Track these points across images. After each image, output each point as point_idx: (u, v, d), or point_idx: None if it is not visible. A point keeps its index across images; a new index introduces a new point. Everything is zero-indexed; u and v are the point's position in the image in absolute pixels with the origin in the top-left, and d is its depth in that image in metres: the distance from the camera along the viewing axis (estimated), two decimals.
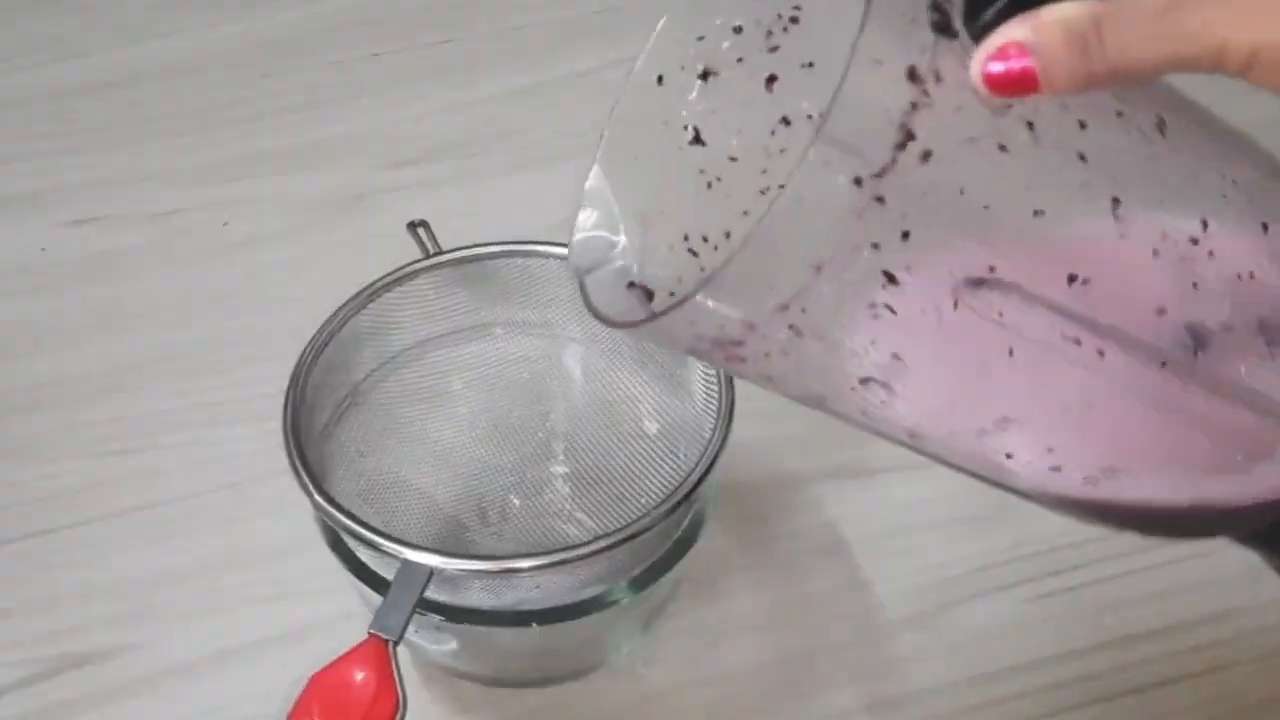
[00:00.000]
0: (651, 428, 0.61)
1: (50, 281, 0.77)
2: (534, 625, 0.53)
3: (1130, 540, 0.62)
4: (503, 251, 0.60)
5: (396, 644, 0.47)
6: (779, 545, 0.63)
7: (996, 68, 0.30)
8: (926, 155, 0.30)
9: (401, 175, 0.83)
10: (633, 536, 0.50)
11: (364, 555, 0.52)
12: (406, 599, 0.48)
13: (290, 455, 0.52)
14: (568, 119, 0.87)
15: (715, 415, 0.54)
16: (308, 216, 0.81)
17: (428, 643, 0.55)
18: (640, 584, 0.53)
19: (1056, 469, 0.35)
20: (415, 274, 0.59)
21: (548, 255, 0.59)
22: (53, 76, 0.91)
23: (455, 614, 0.52)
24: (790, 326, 0.32)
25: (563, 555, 0.49)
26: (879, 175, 0.30)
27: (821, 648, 0.59)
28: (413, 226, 0.60)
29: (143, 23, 0.96)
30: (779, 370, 0.34)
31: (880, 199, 0.30)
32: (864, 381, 0.33)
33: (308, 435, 0.54)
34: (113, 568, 0.63)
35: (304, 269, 0.77)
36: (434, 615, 0.52)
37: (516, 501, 0.61)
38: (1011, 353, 0.33)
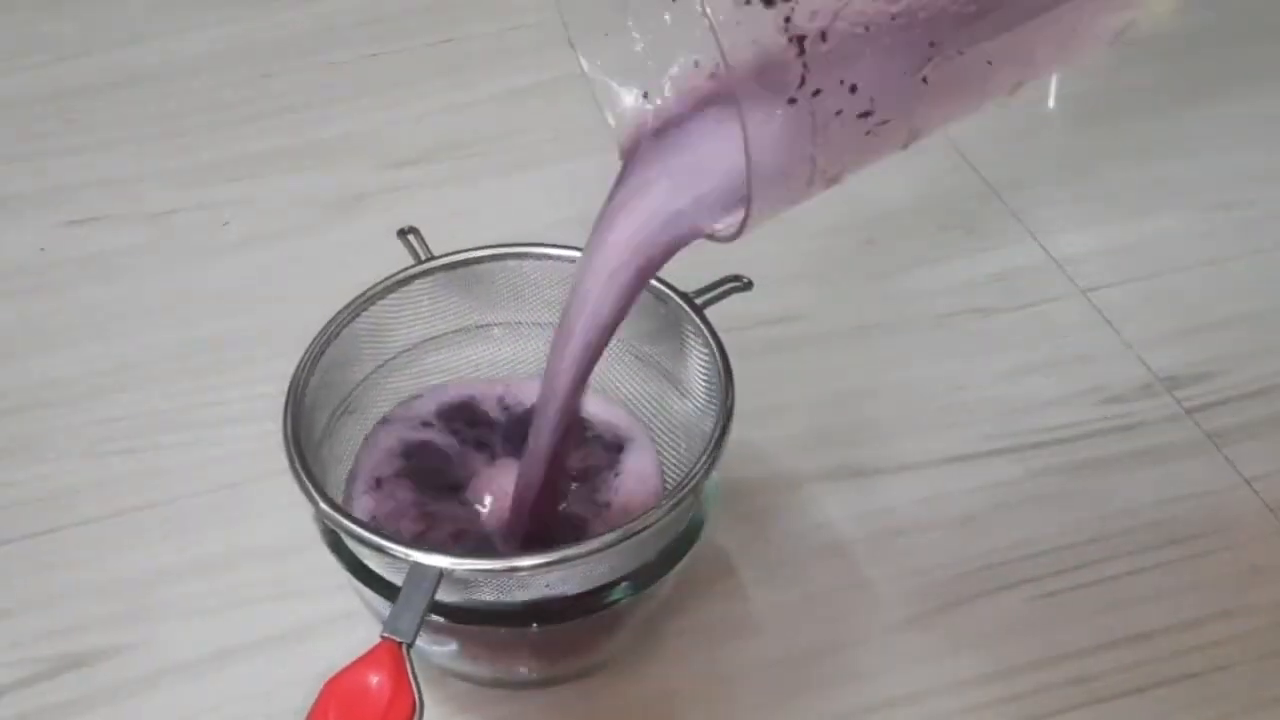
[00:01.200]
0: (653, 425, 0.61)
1: (50, 281, 0.77)
2: (534, 626, 0.53)
3: (1131, 540, 0.63)
4: (495, 255, 0.60)
5: (410, 646, 0.47)
6: (779, 545, 0.63)
7: None
8: None
9: (401, 175, 0.83)
10: (639, 532, 0.50)
11: (367, 557, 0.52)
12: (417, 600, 0.47)
13: (292, 462, 0.52)
14: (567, 119, 0.87)
15: (716, 413, 0.53)
16: (308, 216, 0.81)
17: (428, 644, 0.55)
18: (641, 584, 0.53)
19: None
20: (408, 280, 0.59)
21: (541, 257, 0.60)
22: (53, 76, 0.91)
23: (456, 615, 0.52)
24: None
25: (569, 552, 0.49)
26: None
27: (822, 648, 0.59)
28: (403, 233, 0.60)
29: (143, 23, 0.96)
30: None
31: None
32: None
33: (308, 441, 0.54)
34: (112, 568, 0.63)
35: (304, 269, 0.77)
36: (435, 616, 0.52)
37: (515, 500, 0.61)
38: None
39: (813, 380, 0.70)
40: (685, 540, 0.55)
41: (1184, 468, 0.66)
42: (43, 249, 0.79)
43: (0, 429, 0.69)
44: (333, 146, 0.86)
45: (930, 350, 0.72)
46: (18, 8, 0.98)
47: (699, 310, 0.57)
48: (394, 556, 0.49)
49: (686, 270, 0.58)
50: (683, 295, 0.57)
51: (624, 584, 0.53)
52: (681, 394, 0.58)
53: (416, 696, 0.45)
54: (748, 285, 0.58)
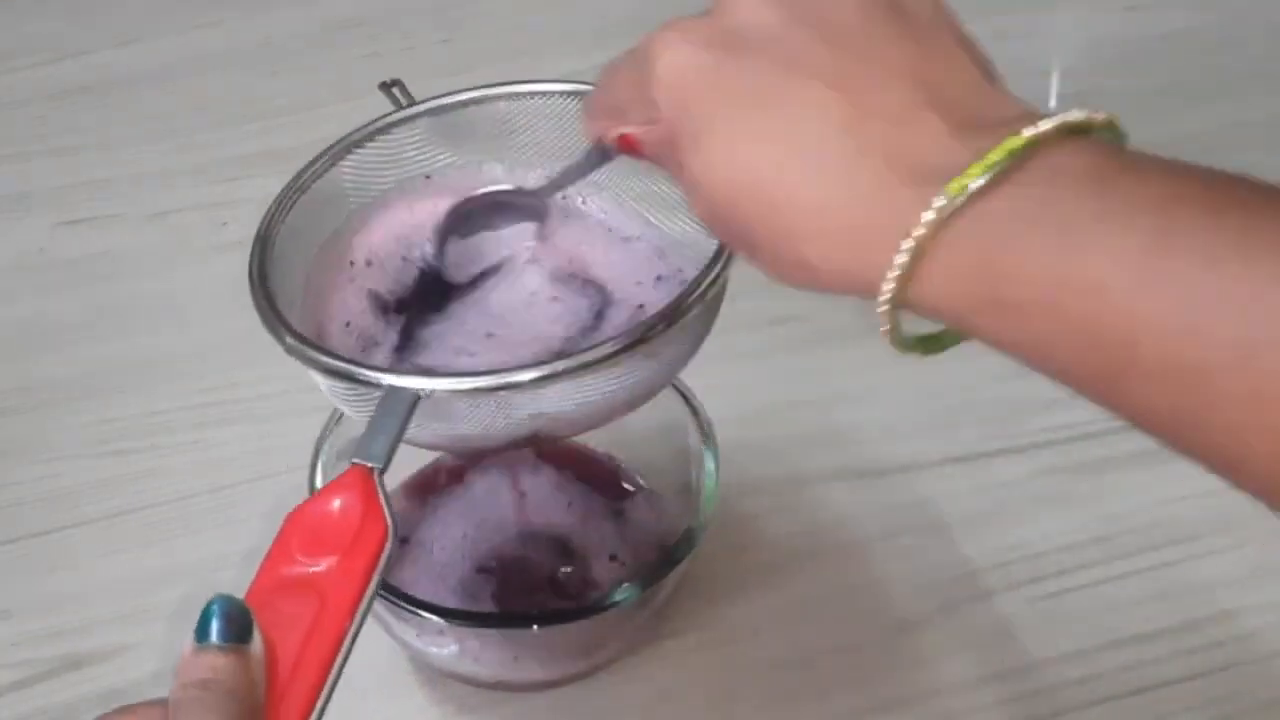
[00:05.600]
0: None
1: (50, 281, 0.77)
2: (534, 627, 0.53)
3: (1133, 541, 0.63)
4: (482, 96, 0.55)
5: (382, 472, 0.42)
6: (780, 546, 0.63)
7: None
8: None
9: None
10: (641, 340, 0.45)
11: (339, 393, 0.47)
12: (391, 425, 0.42)
13: (257, 298, 0.47)
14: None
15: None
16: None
17: (427, 646, 0.55)
18: (643, 584, 0.53)
19: None
20: (389, 128, 0.55)
21: (532, 95, 0.56)
22: (53, 76, 0.91)
23: (456, 616, 0.52)
24: None
25: (557, 366, 0.43)
26: None
27: (823, 649, 0.59)
28: (385, 86, 0.56)
29: (142, 23, 0.96)
30: None
31: None
32: None
33: (276, 284, 0.49)
34: (113, 568, 0.63)
35: None
36: (435, 618, 0.52)
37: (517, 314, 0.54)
38: None
39: (814, 380, 0.70)
40: (687, 541, 0.55)
41: (1184, 468, 0.65)
42: (43, 249, 0.79)
43: (1, 429, 0.69)
44: None
45: None
46: (17, 7, 0.98)
47: None
48: (366, 383, 0.44)
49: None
50: None
51: (626, 585, 0.53)
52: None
53: (389, 521, 0.40)
54: None
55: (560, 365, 0.43)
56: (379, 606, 0.53)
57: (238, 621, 0.37)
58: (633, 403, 0.48)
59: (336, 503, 0.41)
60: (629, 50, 0.43)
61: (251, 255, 0.49)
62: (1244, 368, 0.29)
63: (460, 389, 0.44)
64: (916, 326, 0.37)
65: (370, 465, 0.42)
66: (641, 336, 0.45)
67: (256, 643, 0.37)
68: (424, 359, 0.51)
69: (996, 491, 0.65)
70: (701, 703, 0.58)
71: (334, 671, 0.38)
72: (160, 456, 0.68)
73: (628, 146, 0.43)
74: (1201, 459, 0.32)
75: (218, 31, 0.95)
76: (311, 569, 0.39)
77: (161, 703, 0.38)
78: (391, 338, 0.53)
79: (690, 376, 0.59)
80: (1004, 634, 0.59)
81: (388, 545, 0.40)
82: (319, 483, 0.56)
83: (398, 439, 0.43)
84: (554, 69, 0.90)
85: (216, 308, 0.75)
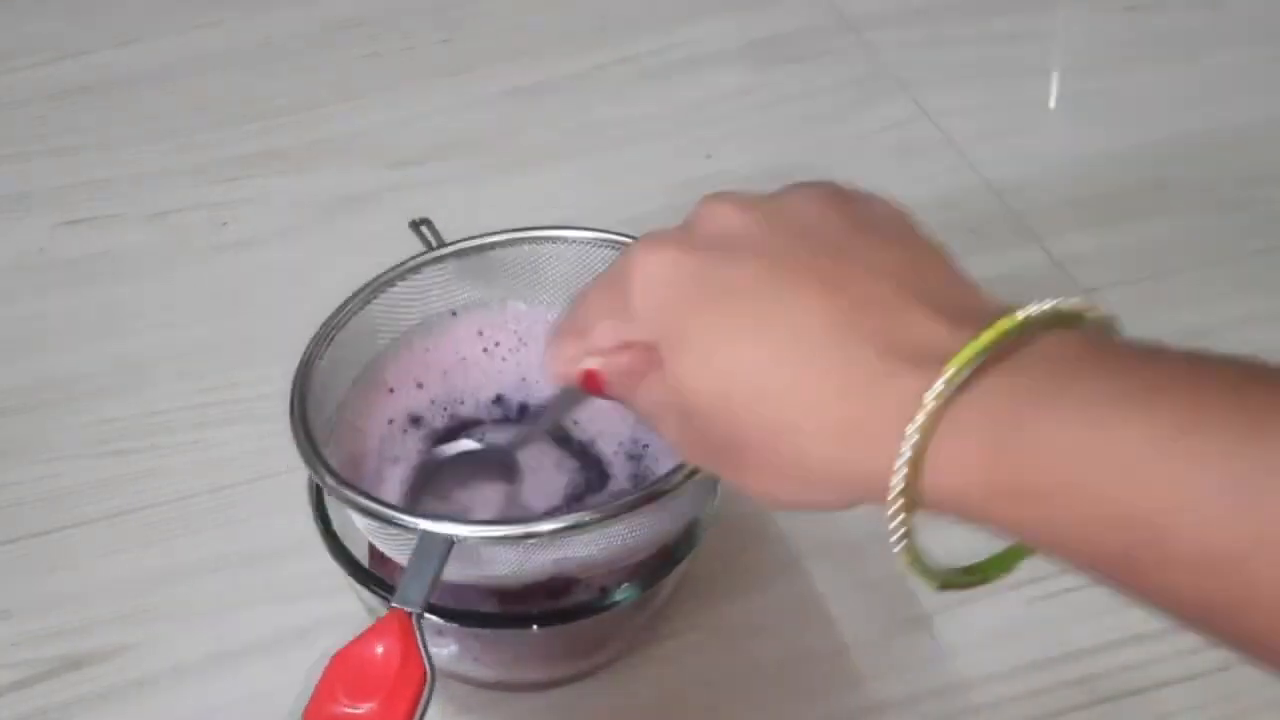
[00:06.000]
0: None
1: (50, 281, 0.77)
2: (534, 628, 0.53)
3: None
4: (509, 240, 0.59)
5: (420, 617, 0.45)
6: (781, 546, 0.63)
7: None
8: None
9: (402, 174, 0.83)
10: (657, 495, 0.48)
11: (375, 533, 0.51)
12: (427, 570, 0.46)
13: (299, 437, 0.51)
14: (568, 118, 0.87)
15: None
16: (308, 216, 0.81)
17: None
18: (643, 584, 0.53)
19: None
20: (419, 267, 0.58)
21: (557, 240, 0.59)
22: (53, 76, 0.91)
23: (456, 616, 0.52)
24: None
25: (584, 517, 0.47)
26: None
27: (824, 649, 0.59)
28: (415, 225, 0.60)
29: (142, 23, 0.96)
30: None
31: None
32: None
33: (315, 422, 0.52)
34: (112, 568, 0.63)
35: (304, 269, 0.77)
36: (435, 619, 0.51)
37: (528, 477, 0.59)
38: None
39: None
40: (688, 541, 0.55)
41: None
42: (43, 249, 0.79)
43: (1, 429, 0.69)
44: (333, 146, 0.86)
45: None
46: (17, 7, 0.98)
47: None
48: (403, 526, 0.47)
49: None
50: None
51: (626, 585, 0.53)
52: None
53: (427, 665, 0.43)
54: None
55: (581, 518, 0.47)
56: (378, 606, 0.53)
57: None
58: (652, 545, 0.52)
59: (378, 647, 0.43)
60: (598, 275, 0.43)
61: (292, 393, 0.52)
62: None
63: (491, 536, 0.47)
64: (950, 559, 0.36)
65: (409, 610, 0.45)
66: (656, 491, 0.48)
67: None
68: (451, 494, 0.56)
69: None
70: (701, 703, 0.58)
71: None
72: (160, 456, 0.68)
73: (592, 384, 0.42)
74: (1234, 645, 0.31)
75: (218, 31, 0.95)
76: (354, 711, 0.42)
77: None
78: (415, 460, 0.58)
79: None
80: (1004, 634, 0.59)
81: (426, 688, 0.43)
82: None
83: (434, 583, 0.46)
84: (554, 69, 0.90)
85: (216, 308, 0.75)
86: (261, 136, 0.86)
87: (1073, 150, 0.84)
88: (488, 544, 0.48)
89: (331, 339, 0.55)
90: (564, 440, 0.59)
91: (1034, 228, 0.78)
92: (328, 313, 0.57)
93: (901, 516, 0.34)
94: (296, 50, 0.93)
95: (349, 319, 0.56)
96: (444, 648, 0.55)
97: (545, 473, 0.58)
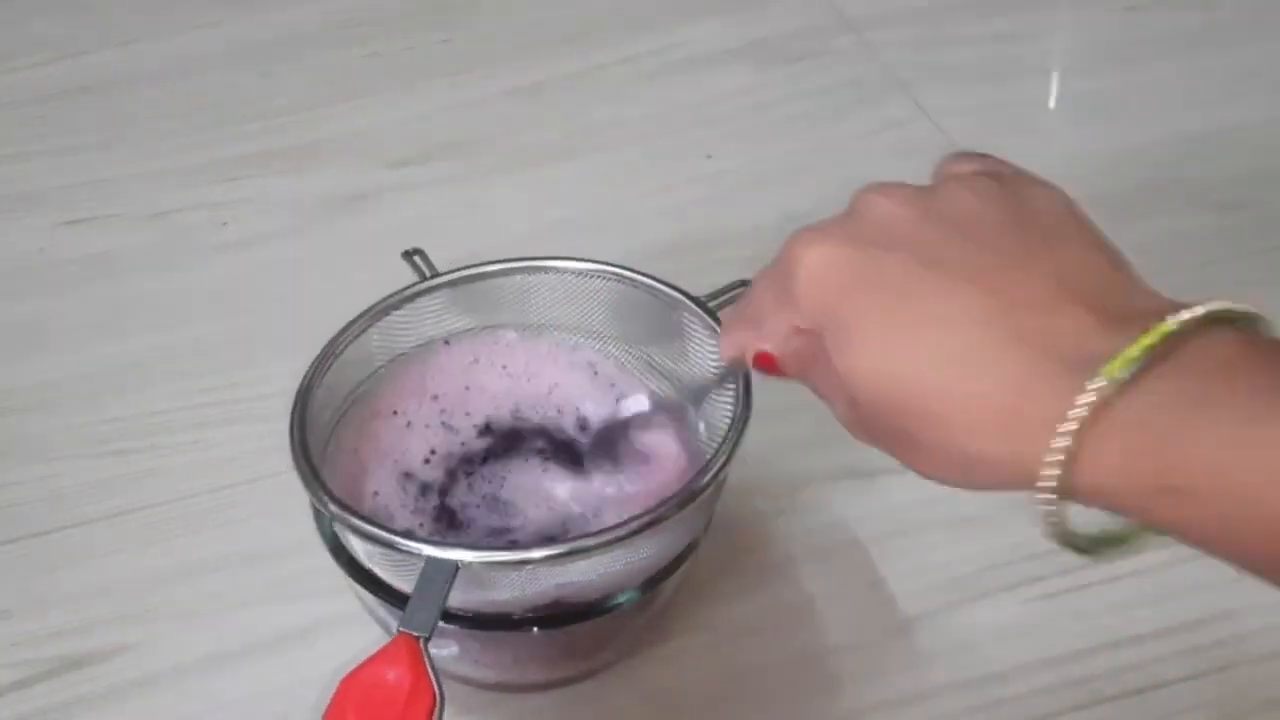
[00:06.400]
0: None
1: (50, 281, 0.77)
2: (535, 630, 0.53)
3: None
4: (502, 270, 0.60)
5: (428, 640, 0.46)
6: (782, 546, 0.63)
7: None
8: None
9: (401, 175, 0.83)
10: (661, 519, 0.49)
11: (377, 556, 0.51)
12: (433, 594, 0.47)
13: (300, 465, 0.52)
14: (568, 118, 0.87)
15: (732, 413, 0.54)
16: (308, 216, 0.81)
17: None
18: (645, 586, 0.53)
19: None
20: (414, 297, 0.59)
21: (549, 270, 0.59)
22: (52, 76, 0.91)
23: (456, 618, 0.52)
24: None
25: (586, 543, 0.49)
26: None
27: (825, 649, 0.59)
28: (408, 255, 0.60)
29: (142, 23, 0.96)
30: None
31: None
32: None
33: (314, 449, 0.53)
34: (112, 568, 0.63)
35: (304, 269, 0.77)
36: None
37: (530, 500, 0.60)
38: None
39: None
40: (689, 543, 0.55)
41: None
42: (42, 249, 0.79)
43: (1, 429, 0.69)
44: (333, 146, 0.86)
45: None
46: (17, 7, 0.98)
47: (711, 313, 0.57)
48: (407, 553, 0.48)
49: (693, 274, 0.58)
50: (694, 300, 0.57)
51: (625, 590, 0.53)
52: (696, 396, 0.58)
53: (437, 690, 0.44)
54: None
55: (585, 543, 0.49)
56: (380, 609, 0.53)
57: None
58: (655, 564, 0.53)
59: (387, 671, 0.44)
60: (767, 266, 0.44)
61: (291, 421, 0.53)
62: None
63: (496, 561, 0.48)
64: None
65: (416, 634, 0.45)
66: (657, 519, 0.49)
67: None
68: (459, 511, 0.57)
69: (996, 491, 0.64)
70: (702, 703, 0.58)
71: None
72: (160, 456, 0.68)
73: (767, 364, 0.45)
74: None
75: (218, 31, 0.95)
76: None
77: None
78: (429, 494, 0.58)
79: None
80: (1004, 634, 0.59)
81: (437, 712, 0.44)
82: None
83: (440, 608, 0.46)
84: (554, 69, 0.90)
85: (216, 308, 0.75)
86: (261, 136, 0.86)
87: (1073, 150, 0.84)
88: (492, 569, 0.49)
89: (329, 366, 0.56)
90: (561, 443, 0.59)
91: None
92: (327, 314, 0.57)
93: (1051, 504, 0.35)
94: (296, 50, 0.93)
95: (345, 347, 0.57)
96: (444, 649, 0.55)
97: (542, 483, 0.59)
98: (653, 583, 0.53)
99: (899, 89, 0.88)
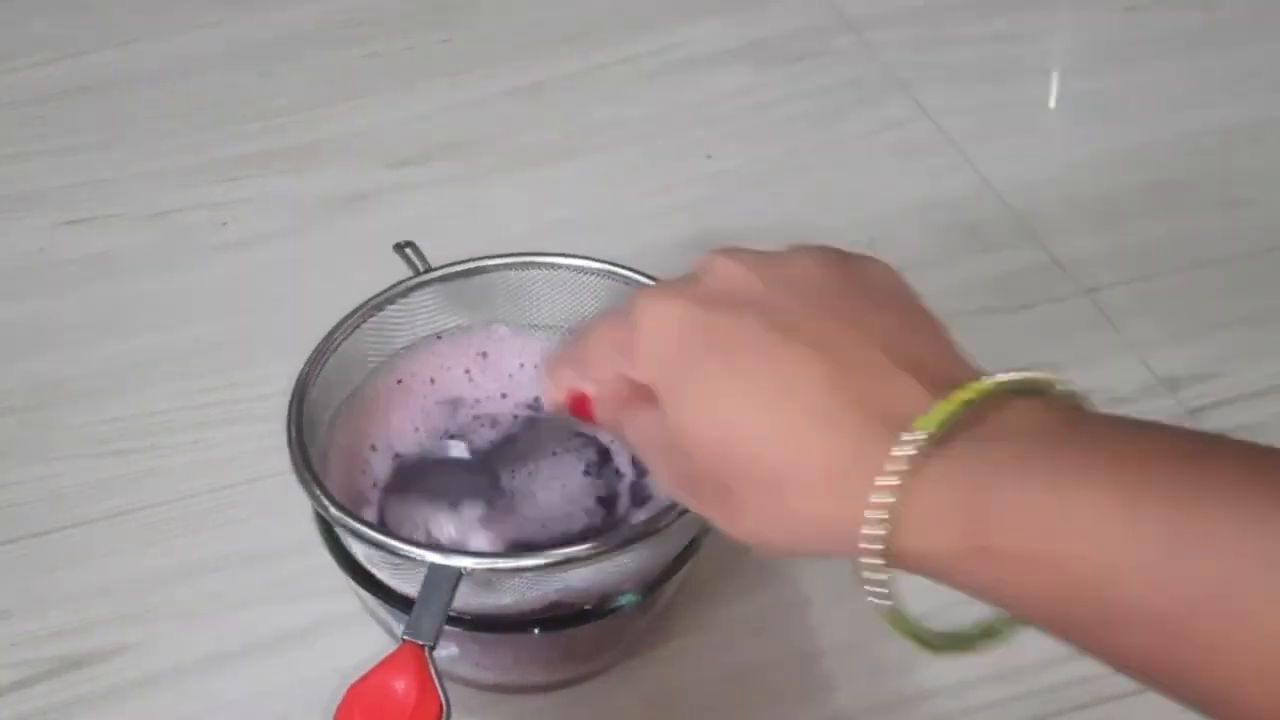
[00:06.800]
0: None
1: (50, 281, 0.77)
2: (536, 632, 0.53)
3: None
4: (496, 265, 0.60)
5: (432, 649, 0.46)
6: None
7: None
8: None
9: (401, 175, 0.83)
10: (672, 523, 0.49)
11: (378, 561, 0.52)
12: (437, 602, 0.47)
13: (300, 472, 0.52)
14: (568, 118, 0.87)
15: None
16: (308, 216, 0.81)
17: None
18: (646, 589, 0.53)
19: None
20: (407, 291, 0.59)
21: (544, 266, 0.59)
22: (52, 76, 0.91)
23: (458, 621, 0.52)
24: None
25: (593, 548, 0.49)
26: None
27: (824, 649, 0.59)
28: (400, 248, 0.60)
29: (142, 23, 0.96)
30: None
31: None
32: None
33: (314, 450, 0.53)
34: (112, 568, 0.63)
35: (304, 269, 0.77)
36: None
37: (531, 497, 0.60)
38: None
39: None
40: (689, 546, 0.55)
41: None
42: (43, 249, 0.79)
43: (1, 429, 0.69)
44: (333, 146, 0.86)
45: None
46: (17, 7, 0.98)
47: None
48: (410, 559, 0.48)
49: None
50: None
51: (627, 592, 0.53)
52: None
53: (443, 698, 0.44)
54: None
55: (584, 550, 0.48)
56: (380, 608, 0.53)
57: None
58: (657, 565, 0.53)
59: (393, 681, 0.44)
60: (606, 310, 0.46)
61: (289, 422, 0.53)
62: (1223, 611, 0.30)
63: (502, 568, 0.48)
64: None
65: (421, 643, 0.45)
66: (658, 527, 0.49)
67: None
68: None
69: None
70: (702, 703, 0.58)
71: None
72: (160, 456, 0.68)
73: (579, 407, 0.45)
74: (1195, 706, 0.32)
75: (218, 31, 0.95)
76: None
77: None
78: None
79: None
80: None
81: (444, 718, 0.44)
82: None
83: (444, 615, 0.46)
84: (554, 69, 0.90)
85: (216, 308, 0.75)
86: (261, 136, 0.86)
87: (1073, 150, 0.84)
88: (497, 576, 0.49)
89: (324, 364, 0.56)
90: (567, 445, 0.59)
91: (1034, 228, 0.78)
92: (327, 313, 0.57)
93: (876, 573, 0.36)
94: (296, 50, 0.93)
95: (339, 344, 0.57)
96: (444, 650, 0.55)
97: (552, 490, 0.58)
98: (654, 585, 0.53)
99: (899, 89, 0.88)
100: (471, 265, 0.59)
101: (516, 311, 0.61)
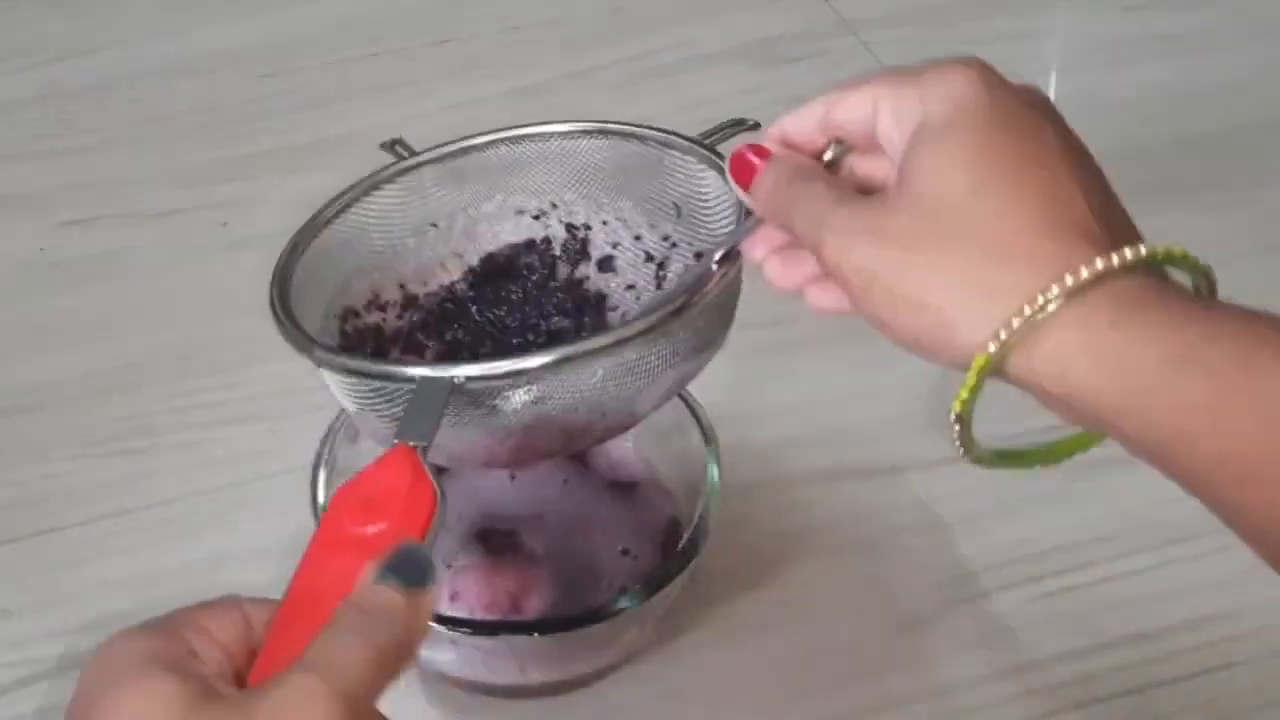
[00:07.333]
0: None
1: (50, 281, 0.77)
2: (536, 635, 0.53)
3: (1131, 541, 0.63)
4: (485, 143, 0.56)
5: (426, 450, 0.42)
6: (781, 546, 0.63)
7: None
8: None
9: None
10: (680, 310, 0.46)
11: (368, 395, 0.48)
12: (428, 412, 0.43)
13: (277, 314, 0.50)
14: (568, 118, 0.87)
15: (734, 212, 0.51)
16: (307, 216, 0.81)
17: (428, 651, 0.55)
18: (646, 591, 0.53)
19: None
20: (394, 177, 0.56)
21: (533, 138, 0.56)
22: (53, 76, 0.91)
23: (458, 624, 0.52)
24: None
25: (596, 343, 0.45)
26: None
27: (824, 648, 0.59)
28: (388, 145, 0.57)
29: (143, 23, 0.96)
30: None
31: None
32: None
33: (299, 311, 0.51)
34: (113, 568, 0.63)
35: None
36: (440, 627, 0.51)
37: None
38: None
39: (812, 381, 0.70)
40: (689, 548, 0.55)
41: None
42: (43, 249, 0.79)
43: (2, 429, 0.69)
44: (333, 146, 0.85)
45: None
46: (18, 8, 0.98)
47: (710, 149, 0.53)
48: (402, 379, 0.45)
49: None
50: (687, 138, 0.54)
51: (628, 594, 0.53)
52: (698, 227, 0.54)
53: (436, 487, 0.40)
54: (754, 126, 0.54)
55: (582, 347, 0.45)
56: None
57: (417, 568, 0.37)
58: (662, 393, 0.50)
59: (382, 476, 0.41)
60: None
61: (272, 283, 0.52)
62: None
63: (492, 374, 0.44)
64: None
65: (413, 444, 0.42)
66: (657, 322, 0.46)
67: (430, 595, 0.37)
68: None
69: (996, 491, 0.65)
70: (703, 703, 0.58)
71: None
72: (160, 456, 0.68)
73: (747, 166, 0.46)
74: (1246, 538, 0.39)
75: (218, 31, 0.95)
76: (365, 532, 0.39)
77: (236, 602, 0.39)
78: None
79: None
80: (1003, 633, 0.59)
81: (439, 507, 0.40)
82: (321, 496, 0.56)
83: (437, 423, 0.43)
84: (553, 71, 0.90)
85: (216, 308, 0.75)
86: (263, 136, 0.86)
87: None
88: (488, 383, 0.45)
89: (318, 233, 0.54)
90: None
91: None
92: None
93: (979, 371, 0.39)
94: (296, 50, 0.93)
95: (327, 224, 0.55)
96: (445, 653, 0.55)
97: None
98: (655, 586, 0.53)
99: None
100: (460, 145, 0.57)
101: (510, 187, 0.57)
